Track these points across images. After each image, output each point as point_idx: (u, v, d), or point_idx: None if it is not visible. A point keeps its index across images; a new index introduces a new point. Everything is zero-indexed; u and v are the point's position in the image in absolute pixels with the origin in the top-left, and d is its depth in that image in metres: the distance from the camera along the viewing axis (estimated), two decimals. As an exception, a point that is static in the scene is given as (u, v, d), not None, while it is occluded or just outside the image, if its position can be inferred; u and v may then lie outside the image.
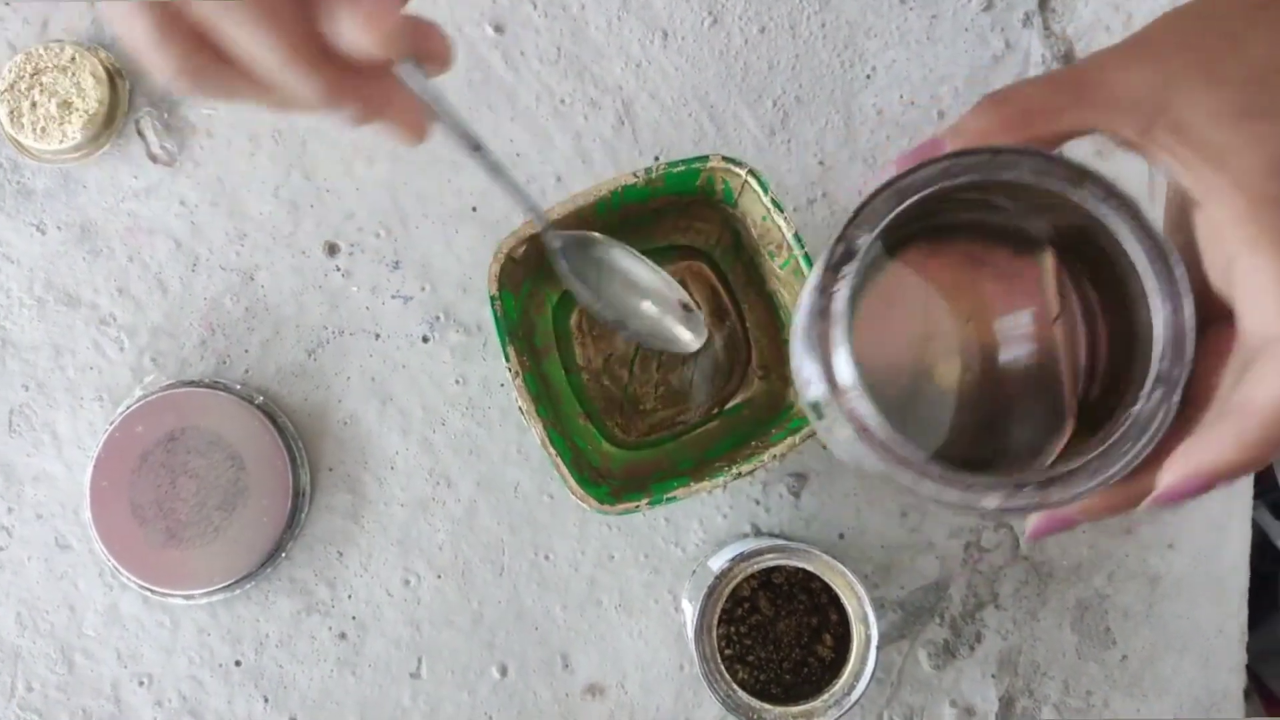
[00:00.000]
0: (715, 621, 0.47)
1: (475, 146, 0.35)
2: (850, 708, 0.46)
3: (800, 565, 0.47)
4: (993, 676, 0.54)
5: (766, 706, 0.46)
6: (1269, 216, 0.28)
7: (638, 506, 0.46)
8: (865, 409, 0.26)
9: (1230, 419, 0.28)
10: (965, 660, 0.54)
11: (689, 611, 0.49)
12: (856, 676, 0.46)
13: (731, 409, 0.53)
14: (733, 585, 0.47)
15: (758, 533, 0.54)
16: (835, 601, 0.49)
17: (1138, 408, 0.27)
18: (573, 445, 0.50)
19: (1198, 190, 0.30)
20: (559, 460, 0.46)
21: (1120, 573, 0.55)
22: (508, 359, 0.46)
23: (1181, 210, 0.30)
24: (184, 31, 0.25)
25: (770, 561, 0.47)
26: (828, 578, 0.47)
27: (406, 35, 0.27)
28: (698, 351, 0.53)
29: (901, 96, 0.55)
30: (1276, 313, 0.28)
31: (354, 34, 0.25)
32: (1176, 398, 0.27)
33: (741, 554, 0.47)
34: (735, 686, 0.46)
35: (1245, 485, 0.55)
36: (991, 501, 0.26)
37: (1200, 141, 0.29)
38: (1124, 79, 0.30)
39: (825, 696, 0.46)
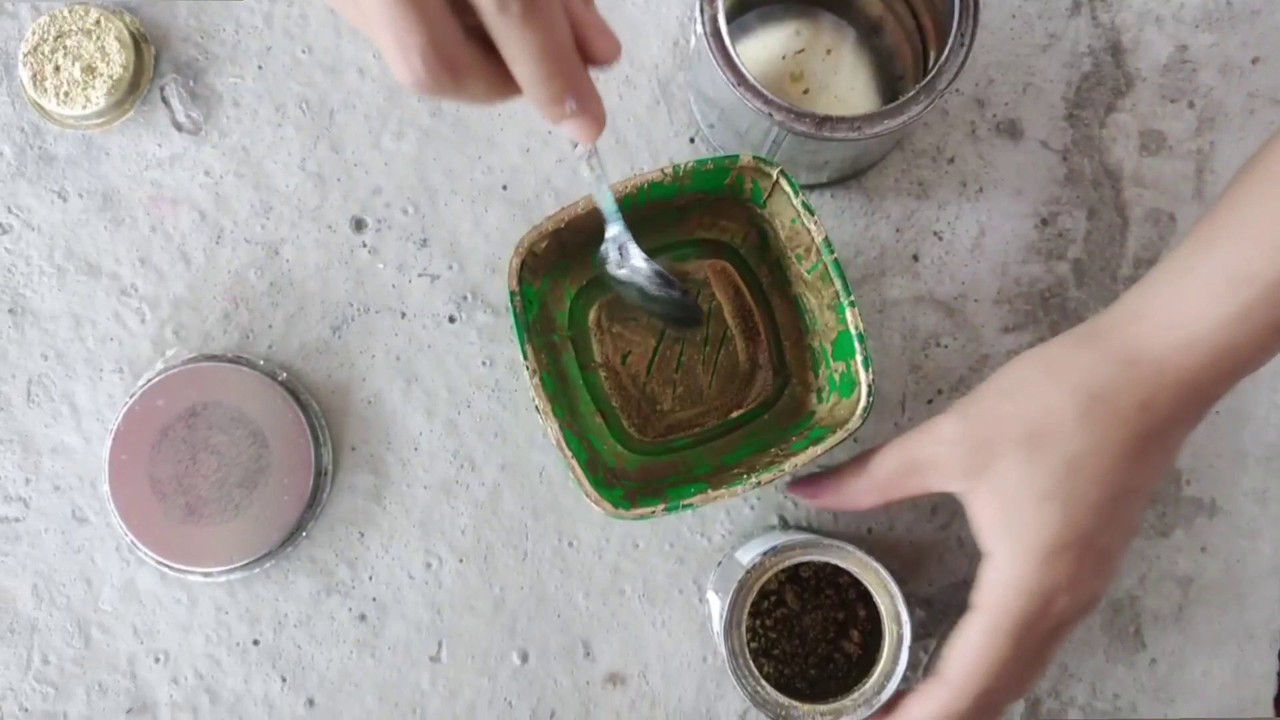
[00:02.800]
0: (744, 616, 0.46)
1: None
2: (880, 707, 0.45)
3: (834, 561, 0.46)
4: (1019, 676, 0.53)
5: (795, 704, 0.45)
6: (1013, 599, 0.39)
7: (653, 512, 0.45)
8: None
9: (931, 680, 0.41)
10: (991, 659, 0.53)
11: (715, 604, 0.49)
12: (888, 676, 0.45)
13: (751, 413, 0.52)
14: (762, 581, 0.46)
15: (785, 525, 0.53)
16: (864, 597, 0.48)
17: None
18: (588, 445, 0.49)
19: (985, 545, 0.40)
20: (574, 462, 0.45)
21: (1152, 575, 0.54)
22: (525, 356, 0.45)
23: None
24: (455, 32, 0.30)
25: (803, 558, 0.46)
26: (860, 574, 0.46)
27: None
28: (718, 352, 0.52)
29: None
30: (950, 663, 0.40)
31: (607, 52, 0.33)
32: None
33: (774, 549, 0.46)
34: (763, 682, 0.45)
35: (1279, 488, 0.54)
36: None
37: (1001, 507, 0.39)
38: (949, 459, 0.41)
39: (855, 695, 0.45)
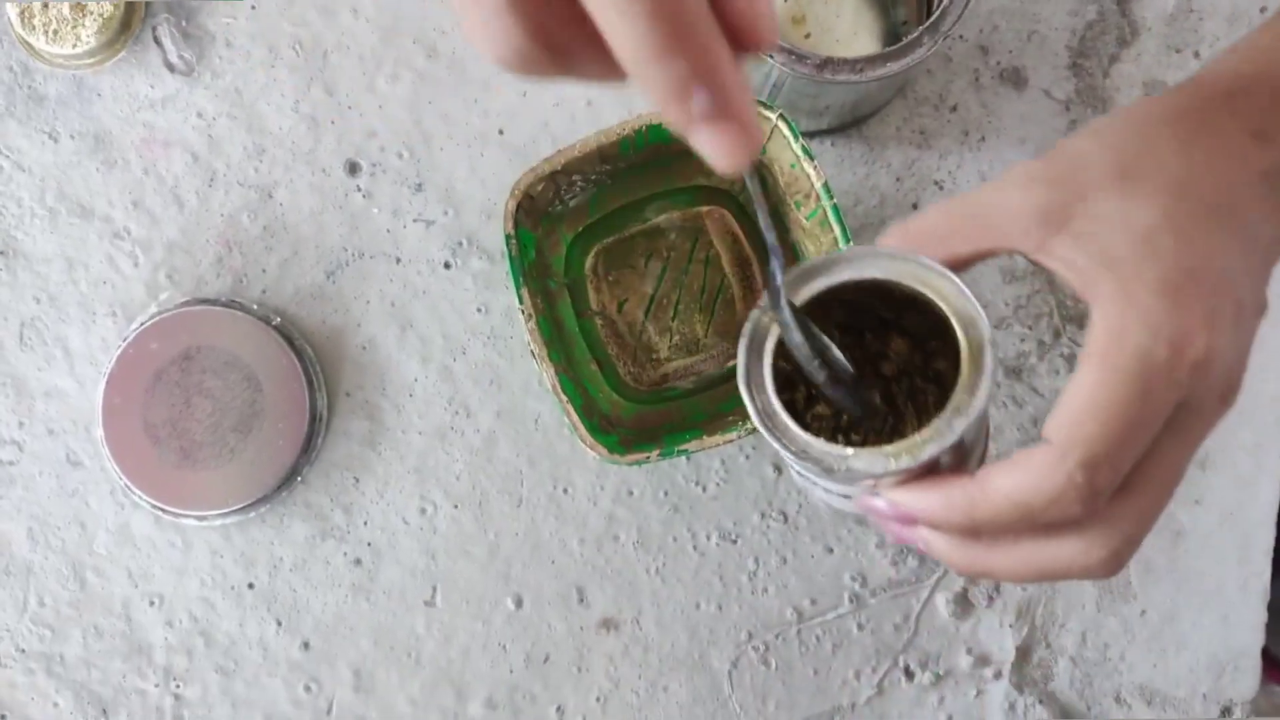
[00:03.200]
0: (767, 373, 0.33)
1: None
2: (952, 465, 0.31)
3: (862, 276, 0.32)
4: (1010, 626, 0.53)
5: (844, 450, 0.31)
6: (1133, 337, 0.29)
7: (648, 458, 0.45)
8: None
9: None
10: (983, 609, 0.53)
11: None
12: (969, 390, 0.31)
13: None
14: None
15: (779, 474, 0.53)
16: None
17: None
18: (583, 392, 0.49)
19: (1086, 293, 0.30)
20: (569, 407, 0.45)
21: (1144, 527, 0.54)
22: (521, 301, 0.45)
23: None
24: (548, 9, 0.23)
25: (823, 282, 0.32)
26: (905, 283, 0.32)
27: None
28: (715, 301, 0.51)
29: (948, 29, 0.53)
30: (1057, 419, 0.29)
31: (761, 33, 0.23)
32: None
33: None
34: (795, 429, 0.32)
35: (1275, 441, 0.54)
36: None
37: (1101, 252, 0.30)
38: (1020, 202, 0.31)
39: (929, 428, 0.31)
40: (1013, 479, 0.29)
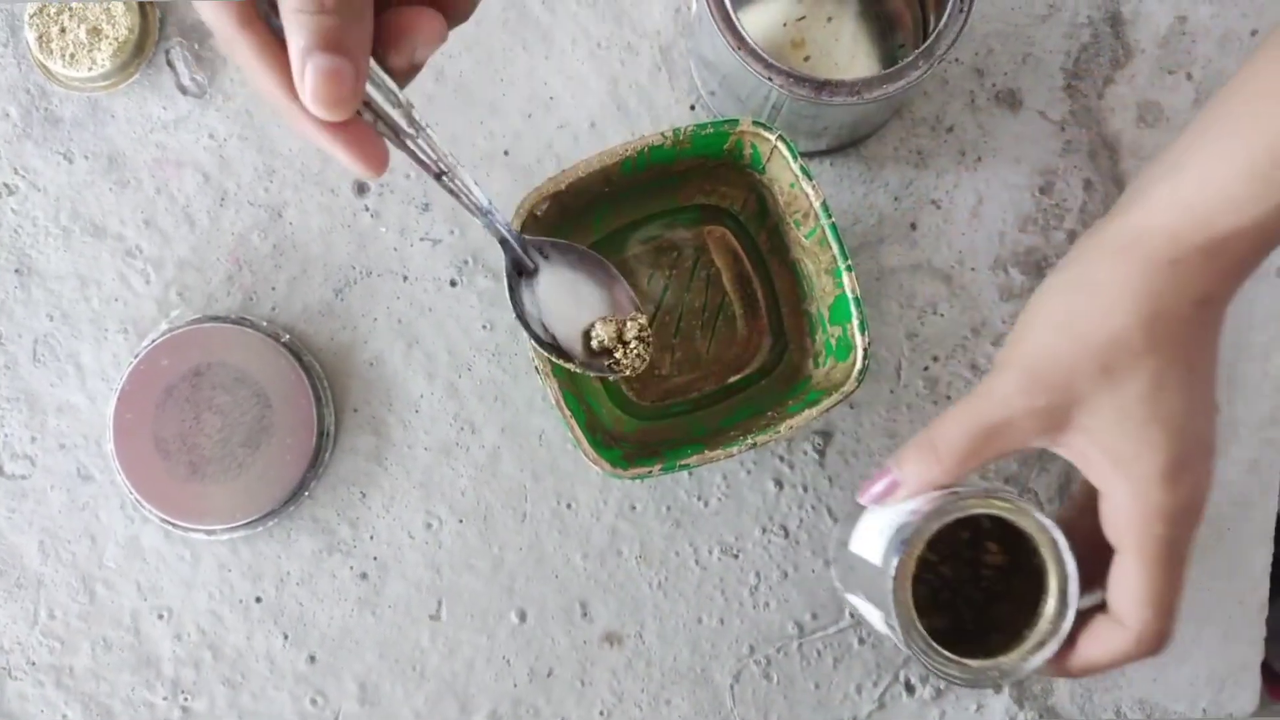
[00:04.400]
0: (913, 614, 0.40)
1: (439, 174, 0.37)
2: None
3: (985, 512, 0.40)
4: (1010, 640, 0.54)
5: (996, 662, 0.40)
6: (1155, 529, 0.37)
7: (650, 472, 0.46)
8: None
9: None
10: (983, 623, 0.54)
11: (863, 607, 0.44)
12: (1062, 602, 0.39)
13: (748, 378, 0.53)
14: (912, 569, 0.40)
15: (781, 488, 0.54)
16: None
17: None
18: (587, 408, 0.49)
19: (1101, 485, 0.39)
20: (573, 422, 0.46)
21: (1143, 542, 0.54)
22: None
23: (1089, 492, 0.40)
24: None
25: (948, 518, 0.40)
26: (1016, 519, 0.40)
27: (357, 98, 0.31)
28: (716, 318, 0.52)
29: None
30: (1126, 609, 0.38)
31: (310, 105, 0.31)
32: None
33: (905, 533, 0.40)
34: (960, 660, 0.40)
35: (1273, 460, 0.55)
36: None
37: (1104, 445, 0.38)
38: (1026, 411, 0.38)
39: (1036, 629, 0.40)
40: (1106, 654, 0.39)
